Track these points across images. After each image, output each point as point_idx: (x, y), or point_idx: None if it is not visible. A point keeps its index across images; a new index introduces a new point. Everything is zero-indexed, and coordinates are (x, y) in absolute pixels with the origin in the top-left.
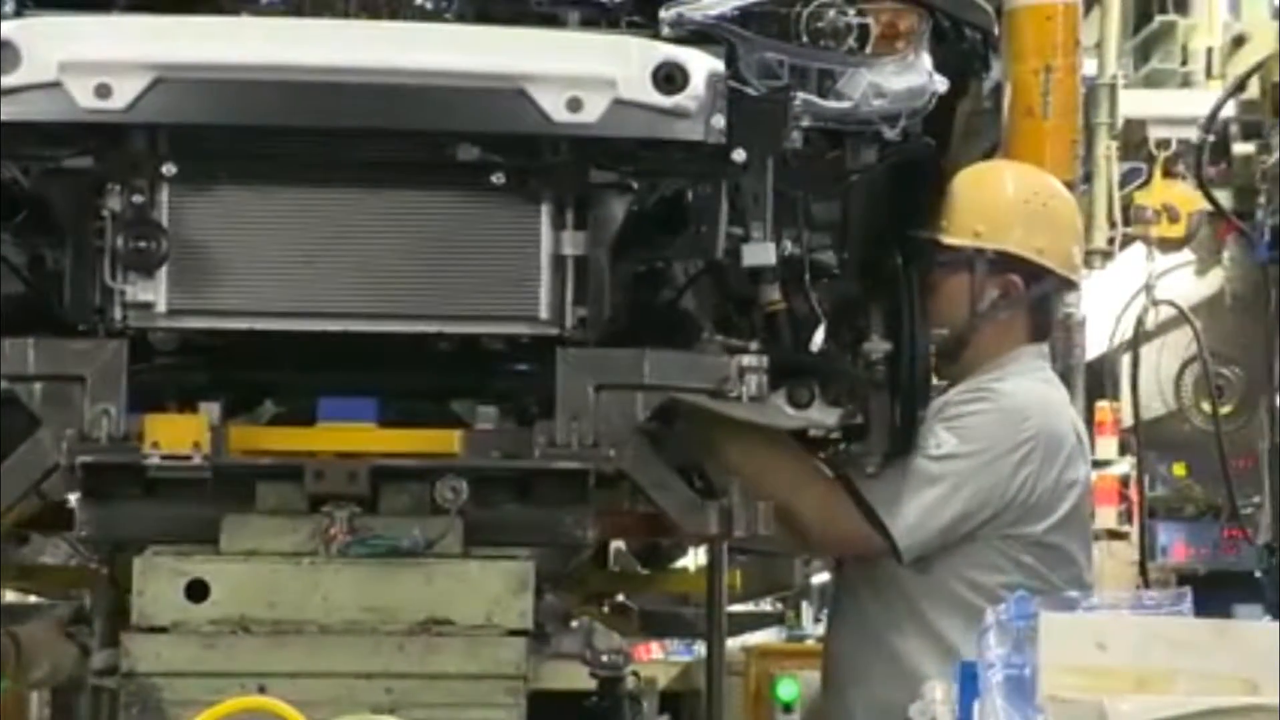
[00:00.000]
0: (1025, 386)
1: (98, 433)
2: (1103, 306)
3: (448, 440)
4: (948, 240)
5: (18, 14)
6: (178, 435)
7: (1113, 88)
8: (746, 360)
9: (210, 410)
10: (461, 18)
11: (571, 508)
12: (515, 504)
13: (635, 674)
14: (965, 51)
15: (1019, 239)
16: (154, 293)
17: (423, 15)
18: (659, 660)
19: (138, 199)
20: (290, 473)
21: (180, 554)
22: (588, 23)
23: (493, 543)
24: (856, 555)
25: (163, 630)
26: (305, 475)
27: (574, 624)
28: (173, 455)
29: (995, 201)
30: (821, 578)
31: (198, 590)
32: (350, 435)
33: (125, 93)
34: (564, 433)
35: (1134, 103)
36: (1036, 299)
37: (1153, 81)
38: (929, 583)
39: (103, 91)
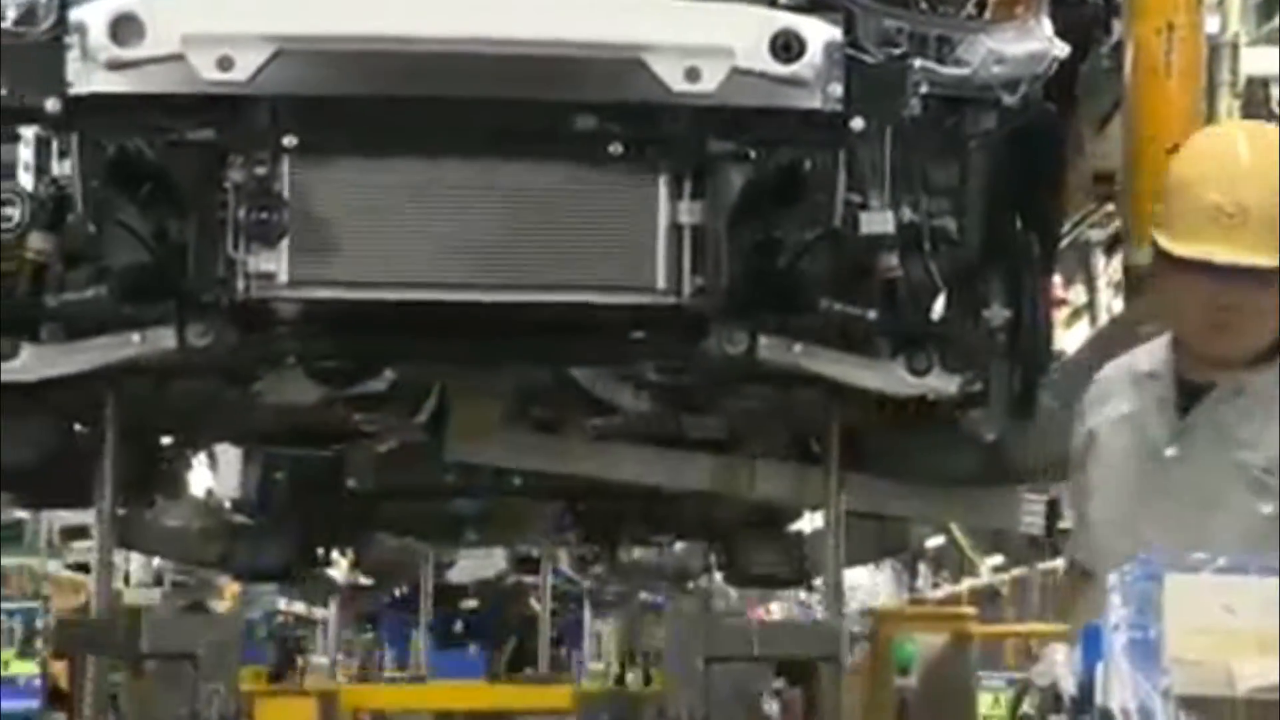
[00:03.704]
0: None
1: (209, 712)
2: None
3: (560, 696)
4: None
5: None
6: (287, 717)
7: (1235, 46)
8: (856, 629)
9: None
10: None
11: None
12: None
13: None
14: (1086, 15)
15: None
16: (275, 263)
17: None
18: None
19: (259, 171)
20: None
21: None
22: None
23: None
24: None
25: None
26: None
27: (690, 585)
28: None
29: None
30: (936, 541)
31: None
32: (462, 692)
33: (247, 65)
34: (674, 708)
35: (1256, 60)
36: None
37: (1275, 39)
38: None
39: (225, 64)
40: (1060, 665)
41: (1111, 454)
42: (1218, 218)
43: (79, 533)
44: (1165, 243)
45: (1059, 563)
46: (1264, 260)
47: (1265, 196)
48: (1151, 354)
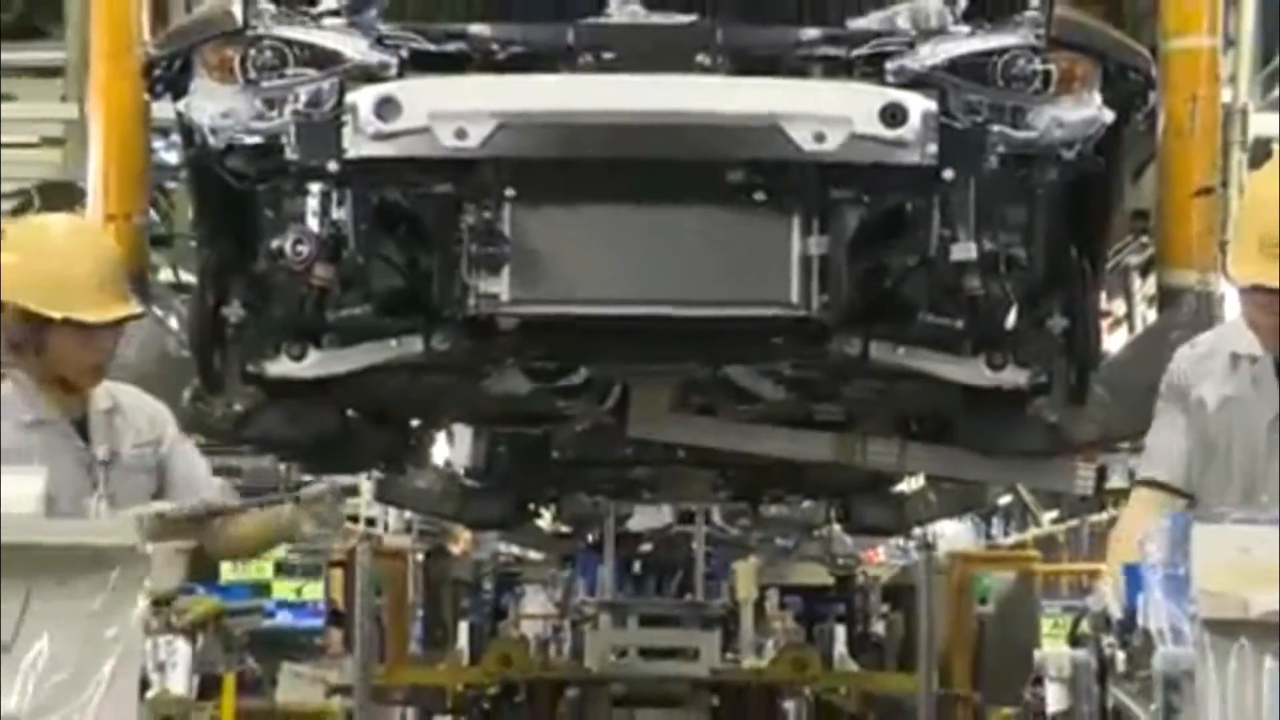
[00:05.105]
0: None
1: None
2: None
3: None
4: None
5: (399, 75)
6: None
7: (1244, 112)
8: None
9: None
10: (731, 71)
11: None
12: None
13: (864, 573)
14: (1129, 89)
15: None
16: (499, 286)
17: (701, 69)
18: (882, 562)
19: (487, 215)
20: None
21: None
22: (829, 73)
23: None
24: None
25: None
26: None
27: (815, 534)
28: None
29: None
30: (1006, 499)
31: None
32: None
33: (477, 134)
34: None
35: (1261, 124)
36: None
37: (1278, 107)
38: None
39: (460, 134)
40: (1110, 595)
41: (1219, 432)
42: (1263, 246)
43: (350, 491)
44: (1230, 269)
45: (1106, 515)
46: None
47: None
48: (1244, 334)
